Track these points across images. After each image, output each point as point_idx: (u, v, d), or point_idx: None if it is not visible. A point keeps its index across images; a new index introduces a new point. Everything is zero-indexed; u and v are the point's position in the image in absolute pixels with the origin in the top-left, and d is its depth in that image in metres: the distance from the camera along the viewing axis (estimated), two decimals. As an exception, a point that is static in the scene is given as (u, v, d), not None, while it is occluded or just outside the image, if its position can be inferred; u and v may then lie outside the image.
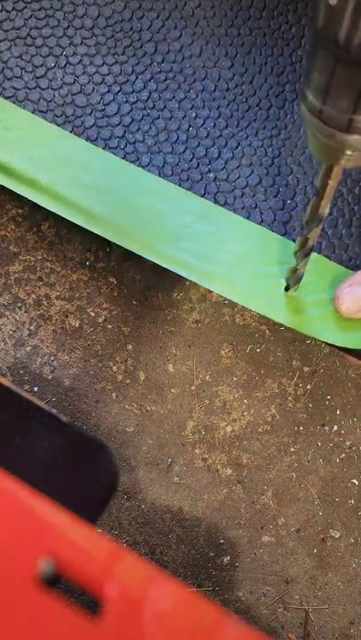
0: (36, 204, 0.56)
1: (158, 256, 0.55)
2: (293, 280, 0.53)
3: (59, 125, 0.57)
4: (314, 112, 0.37)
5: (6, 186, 0.56)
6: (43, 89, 0.58)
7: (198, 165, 0.57)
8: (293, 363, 0.88)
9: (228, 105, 0.59)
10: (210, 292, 0.87)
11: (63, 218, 0.56)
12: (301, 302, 0.55)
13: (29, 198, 0.56)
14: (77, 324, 0.86)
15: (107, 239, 0.56)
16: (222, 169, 0.57)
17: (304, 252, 0.50)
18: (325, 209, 0.45)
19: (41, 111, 0.58)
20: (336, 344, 0.55)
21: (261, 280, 0.55)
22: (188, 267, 0.55)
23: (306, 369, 0.88)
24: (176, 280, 0.87)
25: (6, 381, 0.43)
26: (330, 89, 0.35)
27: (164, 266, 0.55)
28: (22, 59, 0.58)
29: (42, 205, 0.56)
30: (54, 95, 0.58)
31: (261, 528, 0.86)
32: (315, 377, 0.88)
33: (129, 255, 0.86)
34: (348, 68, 0.33)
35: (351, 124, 0.36)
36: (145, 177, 0.57)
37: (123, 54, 0.59)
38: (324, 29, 0.32)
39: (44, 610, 0.27)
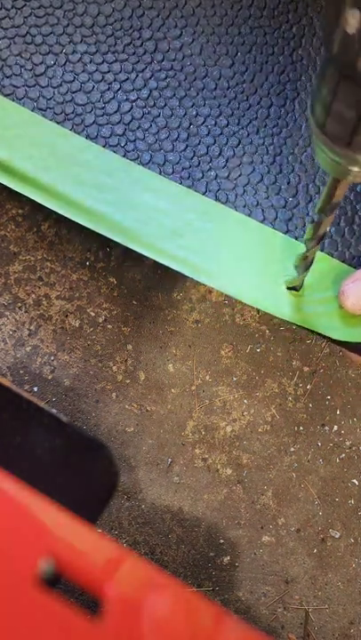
0: (36, 204, 0.56)
1: (159, 254, 0.55)
2: (303, 267, 0.52)
3: (58, 123, 0.57)
4: (322, 130, 0.37)
5: (6, 184, 0.56)
6: (42, 87, 0.58)
7: (199, 163, 0.57)
8: (293, 363, 0.88)
9: (228, 103, 0.58)
10: (210, 292, 0.87)
11: (63, 218, 0.56)
12: (305, 300, 0.55)
13: (29, 197, 0.56)
14: (77, 324, 0.86)
15: (107, 239, 0.55)
16: (223, 167, 0.57)
17: (316, 239, 0.49)
18: (340, 198, 0.44)
19: (40, 109, 0.57)
20: (342, 339, 0.55)
21: (263, 278, 0.55)
22: (189, 264, 0.55)
23: (306, 369, 0.88)
24: (176, 280, 0.87)
25: (6, 381, 0.43)
26: (353, 120, 0.35)
27: (164, 264, 0.55)
28: (22, 57, 0.58)
29: (42, 204, 0.56)
30: (54, 93, 0.58)
31: (261, 528, 0.85)
32: (315, 377, 0.88)
33: (129, 255, 0.86)
34: None
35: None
36: (146, 175, 0.57)
37: (123, 52, 0.59)
38: (339, 56, 0.31)
39: (44, 610, 0.27)
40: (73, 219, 0.56)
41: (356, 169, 0.38)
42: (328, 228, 0.49)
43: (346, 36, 0.30)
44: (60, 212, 0.56)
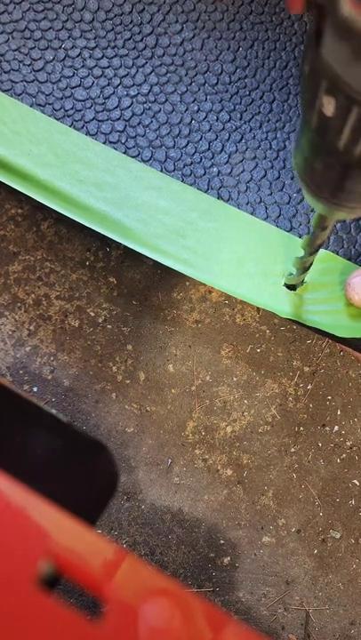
0: (35, 204, 0.56)
1: (161, 254, 0.55)
2: (301, 270, 0.51)
3: (58, 119, 0.57)
4: (304, 179, 0.36)
5: (4, 181, 0.55)
6: (41, 82, 0.57)
7: (201, 160, 0.56)
8: (294, 363, 0.87)
9: (230, 98, 0.58)
10: (210, 291, 0.86)
11: (63, 217, 0.55)
12: (309, 299, 0.54)
13: (27, 194, 0.56)
14: (77, 324, 0.85)
15: (107, 238, 0.55)
16: (226, 163, 0.56)
17: (313, 249, 0.48)
18: (329, 228, 0.44)
19: (39, 105, 0.57)
20: (349, 337, 0.54)
21: (266, 278, 0.55)
22: (191, 265, 0.54)
23: (306, 369, 0.87)
24: (176, 280, 0.86)
25: (6, 381, 0.43)
26: (343, 188, 0.34)
27: (166, 264, 0.54)
28: (20, 52, 0.58)
29: (40, 201, 0.55)
30: (53, 89, 0.57)
31: (262, 529, 0.85)
32: (315, 377, 0.87)
33: (129, 255, 0.86)
34: (351, 170, 0.32)
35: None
36: (147, 172, 0.56)
37: (123, 47, 0.58)
38: (318, 132, 0.31)
39: (44, 611, 0.27)
40: (72, 217, 0.55)
41: (342, 213, 0.37)
42: (328, 237, 0.48)
43: (323, 117, 0.29)
44: (59, 210, 0.55)
